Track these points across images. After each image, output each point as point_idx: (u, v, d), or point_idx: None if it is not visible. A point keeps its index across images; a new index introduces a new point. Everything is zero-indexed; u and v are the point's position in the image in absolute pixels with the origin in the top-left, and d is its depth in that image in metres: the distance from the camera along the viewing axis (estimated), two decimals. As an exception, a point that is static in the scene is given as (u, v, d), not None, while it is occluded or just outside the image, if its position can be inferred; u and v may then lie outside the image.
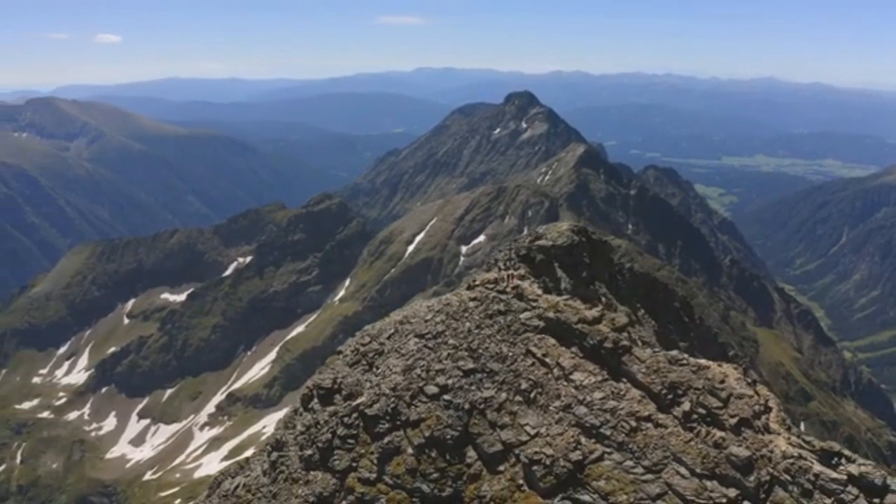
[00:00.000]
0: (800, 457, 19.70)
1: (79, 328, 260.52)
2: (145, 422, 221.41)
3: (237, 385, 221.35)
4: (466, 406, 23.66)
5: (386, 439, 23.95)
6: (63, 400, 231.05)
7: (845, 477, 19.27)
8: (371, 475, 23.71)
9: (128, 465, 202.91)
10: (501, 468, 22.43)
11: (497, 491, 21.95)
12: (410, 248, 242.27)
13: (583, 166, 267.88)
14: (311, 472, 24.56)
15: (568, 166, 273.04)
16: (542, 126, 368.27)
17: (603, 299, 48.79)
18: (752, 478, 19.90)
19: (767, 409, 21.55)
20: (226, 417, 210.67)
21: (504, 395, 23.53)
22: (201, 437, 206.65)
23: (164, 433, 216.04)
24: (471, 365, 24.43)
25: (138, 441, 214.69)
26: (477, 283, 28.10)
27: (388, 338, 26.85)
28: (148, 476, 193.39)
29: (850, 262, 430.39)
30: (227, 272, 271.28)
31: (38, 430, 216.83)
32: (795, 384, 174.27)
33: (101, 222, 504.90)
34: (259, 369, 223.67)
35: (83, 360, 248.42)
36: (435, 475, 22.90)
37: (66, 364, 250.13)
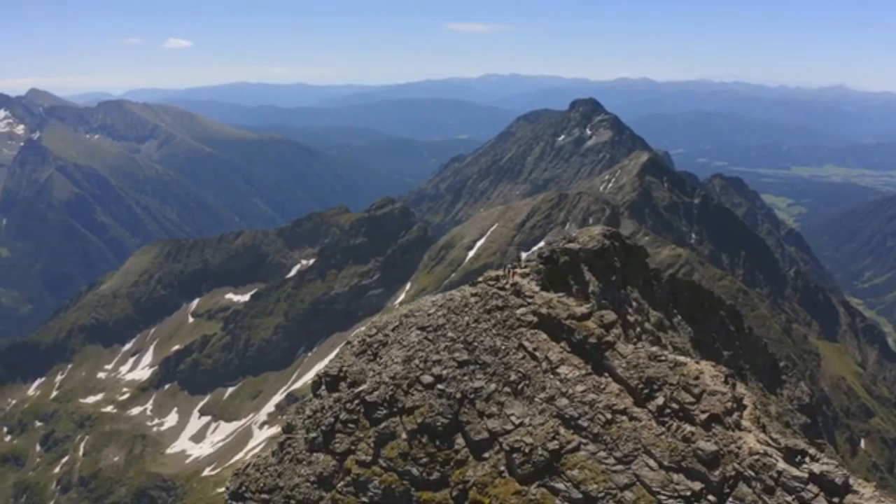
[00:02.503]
0: (765, 454, 20.07)
1: (144, 325, 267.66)
2: (206, 419, 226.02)
3: (297, 385, 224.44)
4: (458, 395, 24.71)
5: (383, 425, 25.19)
6: (126, 395, 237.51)
7: (806, 475, 19.57)
8: (367, 458, 24.97)
9: (187, 461, 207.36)
10: (486, 455, 23.39)
11: (480, 476, 22.92)
12: (471, 253, 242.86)
13: (646, 174, 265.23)
14: (314, 454, 25.94)
15: (631, 174, 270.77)
16: (607, 133, 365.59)
17: (634, 304, 49.30)
18: (717, 472, 20.34)
19: (741, 407, 21.99)
20: (285, 417, 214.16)
21: (494, 385, 24.50)
22: (260, 436, 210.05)
23: (224, 430, 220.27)
24: (465, 357, 25.47)
25: (198, 437, 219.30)
26: (480, 280, 29.18)
27: (393, 329, 28.13)
28: (206, 472, 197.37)
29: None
30: (290, 274, 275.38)
31: (101, 424, 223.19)
32: (857, 399, 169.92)
33: (169, 223, 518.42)
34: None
35: (147, 357, 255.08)
36: (424, 460, 24.02)
37: (131, 360, 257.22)
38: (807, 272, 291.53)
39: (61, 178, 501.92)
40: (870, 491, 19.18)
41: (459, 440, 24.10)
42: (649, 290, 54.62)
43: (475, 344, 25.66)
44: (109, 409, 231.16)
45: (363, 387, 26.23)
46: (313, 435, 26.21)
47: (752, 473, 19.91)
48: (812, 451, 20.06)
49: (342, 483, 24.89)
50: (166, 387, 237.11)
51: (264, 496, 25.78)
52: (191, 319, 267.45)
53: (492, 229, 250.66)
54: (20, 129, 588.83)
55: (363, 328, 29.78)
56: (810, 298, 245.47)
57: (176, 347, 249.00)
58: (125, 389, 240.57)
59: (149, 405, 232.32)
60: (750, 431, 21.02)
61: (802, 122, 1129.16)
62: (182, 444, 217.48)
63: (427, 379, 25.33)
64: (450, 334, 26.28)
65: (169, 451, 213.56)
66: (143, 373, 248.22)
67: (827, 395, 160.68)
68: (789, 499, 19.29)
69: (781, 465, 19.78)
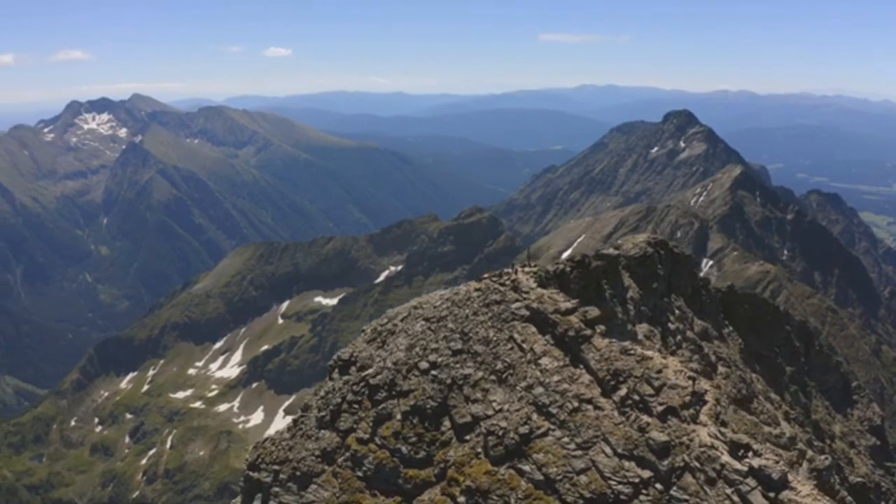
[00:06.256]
0: (711, 446, 20.92)
1: (235, 325, 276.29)
2: (291, 418, 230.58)
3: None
4: (448, 381, 26.41)
5: (381, 406, 27.12)
6: (215, 392, 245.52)
7: (746, 468, 20.29)
8: (366, 436, 27.01)
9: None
10: (468, 437, 24.99)
11: (459, 457, 24.52)
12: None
13: (738, 188, 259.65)
14: (322, 431, 28.13)
15: (723, 188, 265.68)
16: (701, 146, 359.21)
17: (677, 312, 49.64)
18: (666, 462, 21.25)
19: (702, 402, 22.88)
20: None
21: (481, 373, 26.07)
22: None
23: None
24: (459, 346, 27.16)
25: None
26: (486, 276, 30.87)
27: (402, 320, 30.17)
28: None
29: None
30: (379, 279, 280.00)
31: (189, 419, 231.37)
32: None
33: (264, 226, 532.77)
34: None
35: (237, 356, 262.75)
36: (413, 439, 25.85)
37: (221, 358, 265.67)
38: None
39: (161, 180, 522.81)
40: (807, 489, 19.84)
41: (446, 423, 25.83)
42: (698, 300, 54.74)
43: (470, 335, 27.34)
44: (198, 404, 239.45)
45: (369, 371, 28.30)
46: (323, 413, 28.44)
47: (698, 465, 20.78)
48: (756, 446, 20.84)
49: (342, 458, 26.97)
50: (253, 385, 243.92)
51: (275, 467, 28.08)
52: (280, 321, 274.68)
53: (578, 240, 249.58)
54: (123, 133, 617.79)
55: (379, 318, 31.88)
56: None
57: (265, 347, 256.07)
58: (214, 386, 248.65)
59: (236, 402, 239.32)
60: (705, 425, 21.90)
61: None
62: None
63: (424, 365, 27.19)
64: (450, 325, 28.04)
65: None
66: (231, 371, 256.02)
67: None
68: (729, 491, 20.08)
69: (725, 458, 20.60)
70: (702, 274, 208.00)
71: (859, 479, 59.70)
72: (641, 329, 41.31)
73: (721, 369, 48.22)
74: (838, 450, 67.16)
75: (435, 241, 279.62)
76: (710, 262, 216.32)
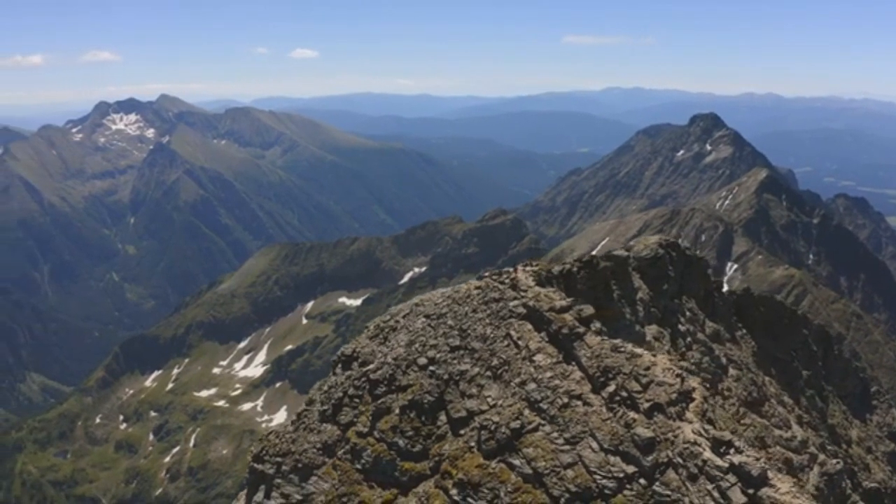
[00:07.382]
0: (695, 443, 21.32)
1: (259, 325, 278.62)
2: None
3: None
4: (446, 377, 27.03)
5: (381, 400, 27.82)
6: (239, 391, 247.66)
7: (727, 465, 20.60)
8: (365, 429, 27.72)
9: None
10: (462, 432, 25.58)
11: (453, 450, 25.12)
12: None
13: (764, 192, 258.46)
14: (323, 424, 28.92)
15: (749, 191, 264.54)
16: (727, 149, 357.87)
17: (688, 314, 49.82)
18: (650, 458, 21.63)
19: (688, 399, 23.32)
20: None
21: (477, 369, 26.64)
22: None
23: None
24: (457, 342, 27.75)
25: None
26: (486, 274, 31.49)
27: (404, 317, 30.83)
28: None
29: None
30: (403, 280, 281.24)
31: (212, 418, 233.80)
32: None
33: (290, 227, 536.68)
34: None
35: (261, 356, 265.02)
36: (410, 433, 26.51)
37: (245, 358, 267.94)
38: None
39: (188, 180, 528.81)
40: (787, 486, 20.16)
41: (442, 417, 26.47)
42: (710, 302, 54.79)
43: (468, 331, 27.92)
44: (221, 403, 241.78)
45: (370, 366, 29.01)
46: (325, 407, 29.21)
47: (681, 461, 21.17)
48: (738, 443, 21.22)
49: (342, 451, 27.71)
50: (277, 385, 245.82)
51: (278, 459, 28.88)
52: (304, 321, 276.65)
53: (602, 243, 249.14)
54: (150, 133, 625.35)
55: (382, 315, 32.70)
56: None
57: (289, 347, 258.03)
58: (238, 385, 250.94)
59: (259, 402, 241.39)
60: (691, 422, 22.31)
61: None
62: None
63: (422, 361, 27.84)
64: (449, 322, 28.66)
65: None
66: (255, 370, 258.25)
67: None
68: (710, 487, 20.44)
69: (707, 454, 20.96)
70: (726, 278, 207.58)
71: (874, 485, 59.42)
72: (650, 330, 41.54)
73: (732, 371, 48.26)
74: (855, 455, 66.74)
75: (459, 242, 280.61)
76: (735, 266, 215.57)
